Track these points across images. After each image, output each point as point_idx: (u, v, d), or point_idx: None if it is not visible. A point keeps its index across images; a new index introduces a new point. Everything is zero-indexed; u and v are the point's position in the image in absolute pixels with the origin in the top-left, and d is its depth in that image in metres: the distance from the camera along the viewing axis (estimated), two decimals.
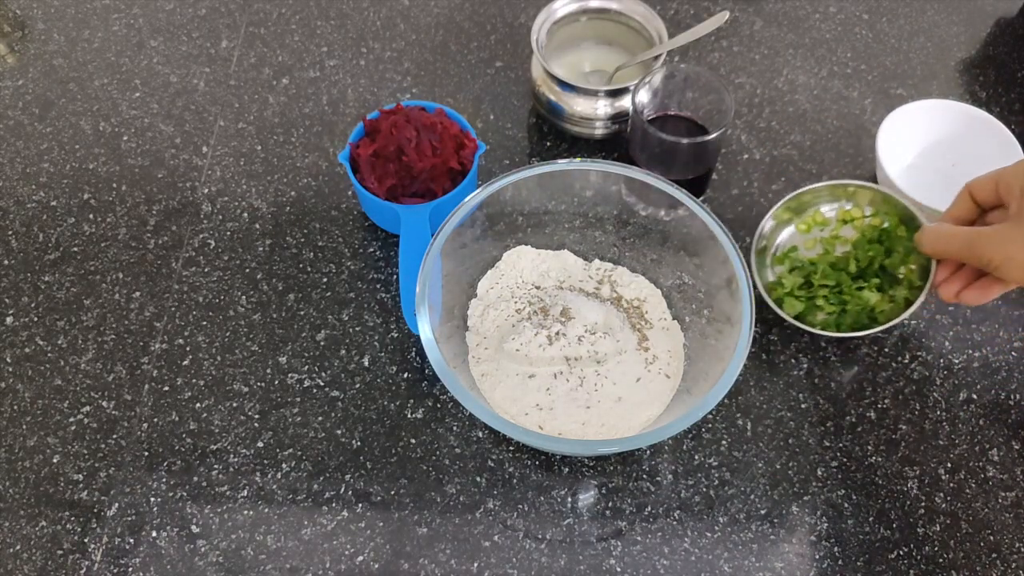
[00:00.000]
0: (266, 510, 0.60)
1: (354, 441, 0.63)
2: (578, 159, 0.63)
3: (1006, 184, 0.56)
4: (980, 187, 0.58)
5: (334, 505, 0.60)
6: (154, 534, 0.59)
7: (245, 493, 0.60)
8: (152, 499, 0.60)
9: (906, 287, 0.64)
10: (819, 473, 0.61)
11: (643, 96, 0.69)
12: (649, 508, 0.60)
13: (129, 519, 0.59)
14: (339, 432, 0.63)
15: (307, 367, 0.66)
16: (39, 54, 0.84)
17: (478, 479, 0.61)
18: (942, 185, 0.73)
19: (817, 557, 0.58)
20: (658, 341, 0.63)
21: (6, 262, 0.71)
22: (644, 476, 0.61)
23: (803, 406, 0.64)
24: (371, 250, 0.71)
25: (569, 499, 0.61)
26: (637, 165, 0.66)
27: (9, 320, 0.68)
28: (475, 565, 0.58)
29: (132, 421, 0.63)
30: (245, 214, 0.73)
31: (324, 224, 0.73)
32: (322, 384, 0.65)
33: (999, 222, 0.56)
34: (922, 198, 0.68)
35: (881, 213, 0.66)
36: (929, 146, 0.74)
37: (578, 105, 0.73)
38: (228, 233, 0.72)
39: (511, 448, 0.62)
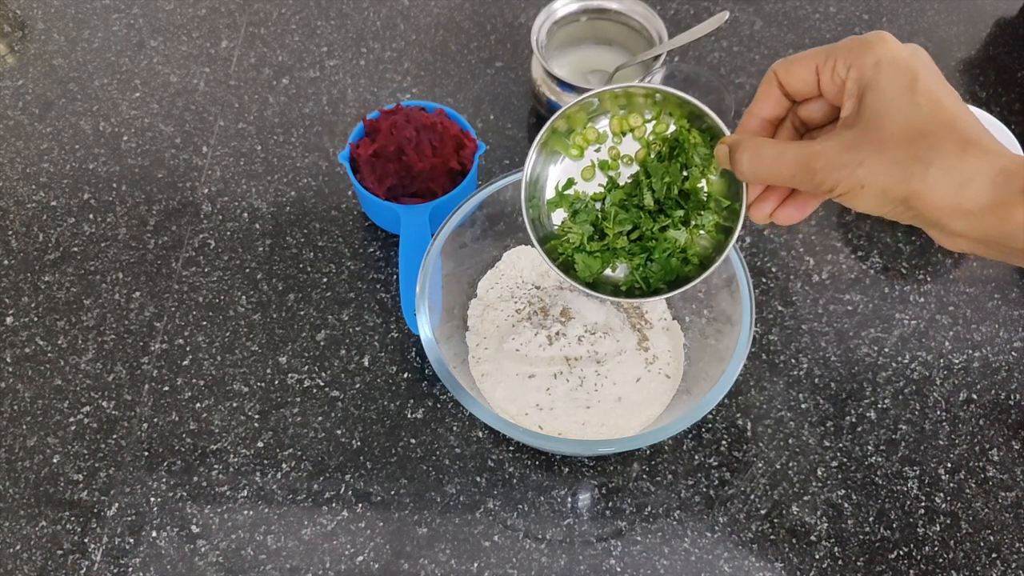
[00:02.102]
0: (266, 510, 0.60)
1: (354, 441, 0.63)
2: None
3: (837, 77, 0.41)
4: (793, 74, 0.43)
5: (334, 505, 0.60)
6: (154, 534, 0.59)
7: (245, 493, 0.60)
8: (152, 499, 0.60)
9: (714, 210, 0.49)
10: (819, 473, 0.61)
11: None
12: (649, 508, 0.60)
13: (129, 519, 0.59)
14: (339, 432, 0.63)
15: (307, 367, 0.66)
16: (39, 54, 0.83)
17: (478, 479, 0.61)
18: None
19: (817, 557, 0.58)
20: (658, 341, 0.63)
21: (6, 262, 0.71)
22: (644, 476, 0.61)
23: (803, 406, 0.64)
24: (371, 250, 0.71)
25: (569, 499, 0.61)
26: None
27: (9, 320, 0.68)
28: (475, 565, 0.58)
29: (132, 421, 0.63)
30: (245, 214, 0.73)
31: (324, 224, 0.73)
32: (322, 384, 0.65)
33: (820, 120, 0.44)
34: None
35: (664, 115, 0.49)
36: None
37: None
38: (228, 233, 0.72)
39: (511, 448, 0.62)
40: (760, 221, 0.46)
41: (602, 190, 0.51)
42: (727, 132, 0.46)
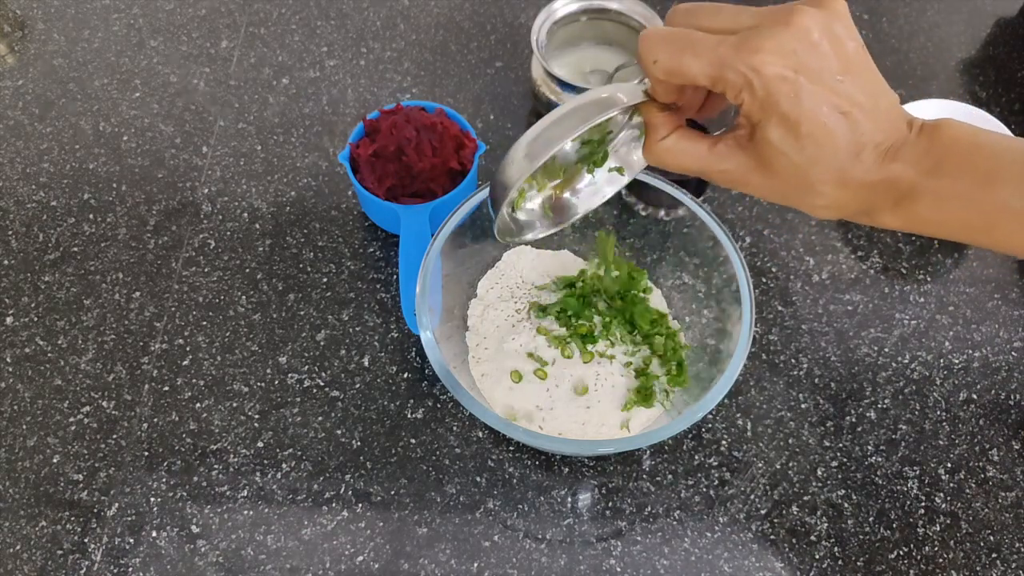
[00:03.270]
0: (266, 510, 0.60)
1: (354, 441, 0.63)
2: None
3: (728, 95, 0.41)
4: (679, 79, 0.42)
5: (334, 505, 0.60)
6: (154, 534, 0.59)
7: (245, 493, 0.60)
8: (152, 499, 0.60)
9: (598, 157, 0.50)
10: (819, 473, 0.61)
11: None
12: (649, 508, 0.60)
13: (129, 519, 0.59)
14: (339, 432, 0.63)
15: (307, 367, 0.66)
16: (39, 54, 0.83)
17: (478, 479, 0.61)
18: None
19: (817, 557, 0.58)
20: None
21: (6, 262, 0.71)
22: (644, 476, 0.61)
23: (803, 406, 0.64)
24: (371, 250, 0.71)
25: (569, 499, 0.61)
26: None
27: (9, 320, 0.68)
28: (475, 565, 0.58)
29: (132, 421, 0.63)
30: (245, 214, 0.73)
31: (324, 224, 0.73)
32: (322, 384, 0.65)
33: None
34: None
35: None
36: None
37: None
38: (228, 233, 0.72)
39: (511, 448, 0.62)
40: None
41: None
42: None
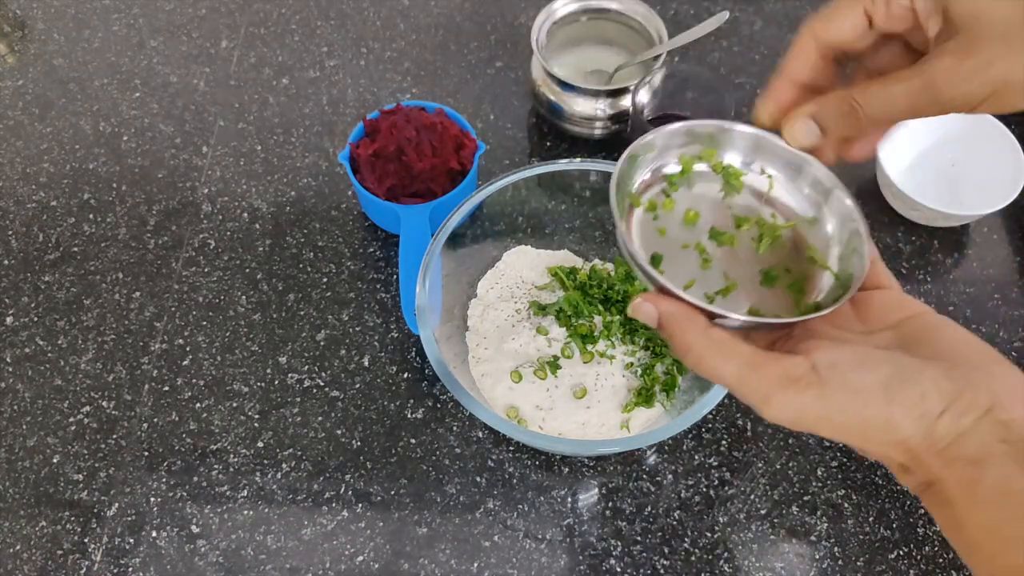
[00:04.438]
0: (266, 510, 0.60)
1: (354, 441, 0.62)
2: (578, 159, 0.63)
3: (897, 6, 0.38)
4: (837, 26, 0.39)
5: (334, 505, 0.60)
6: (154, 534, 0.59)
7: (245, 493, 0.60)
8: (152, 499, 0.60)
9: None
10: (819, 473, 0.61)
11: (643, 96, 0.69)
12: (649, 508, 0.60)
13: (129, 519, 0.59)
14: (339, 432, 0.63)
15: (307, 367, 0.66)
16: (39, 54, 0.83)
17: (478, 479, 0.61)
18: (942, 185, 0.73)
19: (817, 557, 0.58)
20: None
21: (6, 262, 0.71)
22: (644, 476, 0.61)
23: None
24: (371, 250, 0.71)
25: (569, 499, 0.61)
26: None
27: (9, 320, 0.68)
28: (475, 565, 0.58)
29: (132, 421, 0.63)
30: (245, 214, 0.73)
31: (324, 224, 0.73)
32: (322, 384, 0.65)
33: (891, 66, 0.40)
34: (922, 198, 0.68)
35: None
36: (929, 146, 0.74)
37: (578, 105, 0.73)
38: (228, 233, 0.72)
39: (511, 448, 0.62)
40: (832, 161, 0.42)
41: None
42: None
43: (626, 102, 0.73)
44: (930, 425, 0.33)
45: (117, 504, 0.60)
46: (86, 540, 0.59)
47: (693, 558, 0.58)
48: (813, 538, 0.59)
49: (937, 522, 0.35)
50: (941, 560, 0.58)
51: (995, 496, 0.32)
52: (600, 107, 0.73)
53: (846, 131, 0.39)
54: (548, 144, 0.77)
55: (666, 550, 0.59)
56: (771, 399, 0.34)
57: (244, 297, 0.69)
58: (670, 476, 0.61)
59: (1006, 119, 0.76)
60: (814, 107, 0.40)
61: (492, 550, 0.59)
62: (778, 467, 0.62)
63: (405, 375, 0.65)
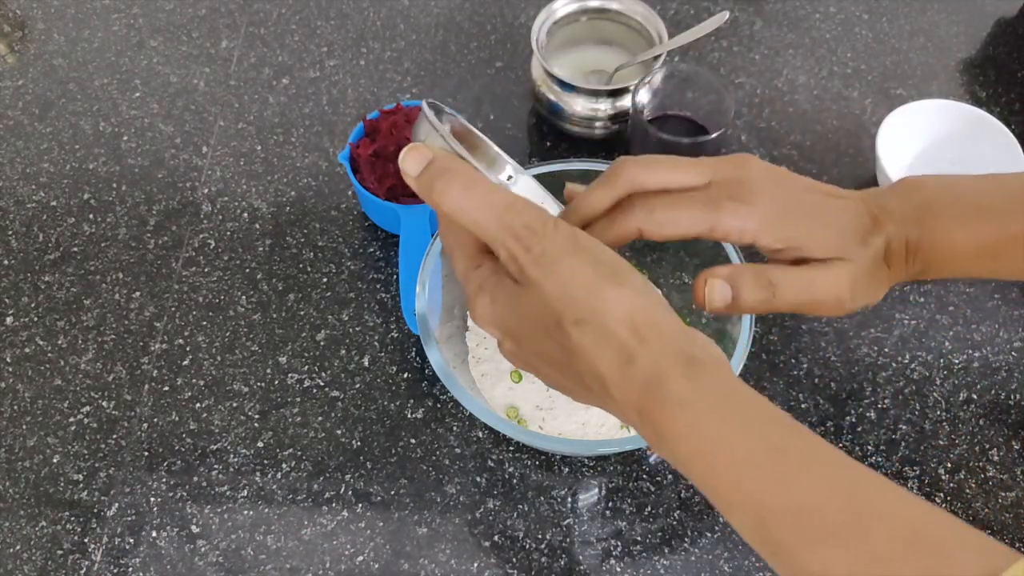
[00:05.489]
0: (266, 510, 0.60)
1: (354, 441, 0.63)
2: (578, 159, 0.63)
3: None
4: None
5: (334, 505, 0.60)
6: (154, 534, 0.59)
7: (245, 493, 0.60)
8: (152, 499, 0.60)
9: None
10: None
11: (643, 96, 0.69)
12: (649, 508, 0.60)
13: (129, 519, 0.59)
14: (339, 432, 0.63)
15: (307, 367, 0.66)
16: (39, 54, 0.83)
17: (478, 479, 0.61)
18: None
19: None
20: None
21: (6, 262, 0.71)
22: (644, 476, 0.61)
23: (803, 406, 0.64)
24: (371, 250, 0.71)
25: (569, 499, 0.61)
26: None
27: (9, 320, 0.68)
28: (475, 565, 0.58)
29: (132, 421, 0.63)
30: (245, 214, 0.73)
31: (324, 224, 0.73)
32: (322, 384, 0.65)
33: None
34: None
35: None
36: (929, 146, 0.74)
37: (578, 105, 0.73)
38: (228, 233, 0.72)
39: (511, 448, 0.62)
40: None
41: None
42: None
43: (626, 102, 0.73)
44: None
45: (117, 504, 0.60)
46: (86, 540, 0.59)
47: (693, 558, 0.58)
48: None
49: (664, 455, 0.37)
50: None
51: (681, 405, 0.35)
52: (600, 107, 0.73)
53: (757, 304, 0.43)
54: (548, 144, 0.77)
55: (666, 550, 0.59)
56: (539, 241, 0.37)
57: (244, 297, 0.69)
58: (670, 476, 0.61)
59: (1006, 119, 0.76)
60: (730, 271, 0.44)
61: (492, 550, 0.59)
62: None
63: (405, 375, 0.65)
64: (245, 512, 0.60)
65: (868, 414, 0.64)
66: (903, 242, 0.45)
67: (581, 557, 0.58)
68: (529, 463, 0.62)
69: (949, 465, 0.62)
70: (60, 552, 0.58)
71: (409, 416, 0.64)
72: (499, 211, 0.37)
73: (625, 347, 0.35)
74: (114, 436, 0.63)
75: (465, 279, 0.41)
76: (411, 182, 0.39)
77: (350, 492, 0.61)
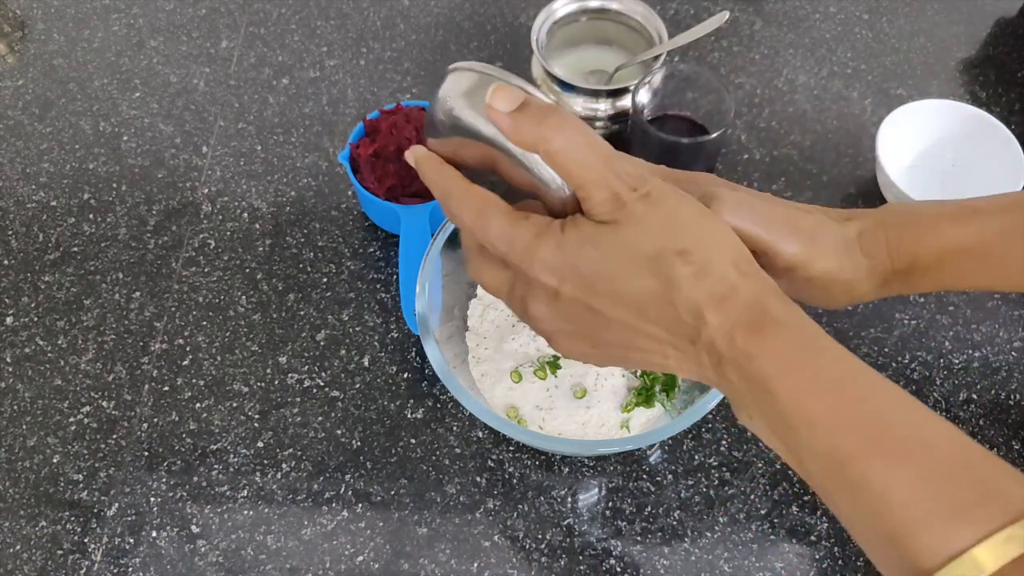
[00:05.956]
0: (266, 510, 0.60)
1: (354, 441, 0.63)
2: None
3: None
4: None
5: (334, 505, 0.60)
6: (154, 534, 0.59)
7: (245, 493, 0.60)
8: (152, 499, 0.60)
9: None
10: None
11: (643, 96, 0.69)
12: (649, 508, 0.60)
13: (129, 519, 0.59)
14: (339, 432, 0.63)
15: (307, 367, 0.66)
16: (39, 54, 0.83)
17: (478, 479, 0.61)
18: (942, 185, 0.73)
19: (817, 557, 0.58)
20: None
21: (6, 262, 0.71)
22: (644, 476, 0.61)
23: None
24: (371, 250, 0.71)
25: (569, 499, 0.61)
26: None
27: (9, 320, 0.68)
28: (475, 565, 0.58)
29: (132, 421, 0.63)
30: (245, 214, 0.73)
31: (324, 224, 0.73)
32: (322, 384, 0.65)
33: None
34: (923, 198, 0.68)
35: None
36: (929, 146, 0.74)
37: (578, 105, 0.73)
38: (228, 233, 0.72)
39: (511, 448, 0.62)
40: None
41: None
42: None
43: (626, 102, 0.73)
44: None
45: (117, 504, 0.60)
46: (86, 540, 0.59)
47: (693, 558, 0.58)
48: (813, 538, 0.59)
49: (739, 407, 0.39)
50: None
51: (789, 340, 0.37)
52: (600, 107, 0.73)
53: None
54: None
55: (666, 550, 0.59)
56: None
57: (244, 297, 0.69)
58: (670, 476, 0.61)
59: (1006, 119, 0.76)
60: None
61: (492, 550, 0.59)
62: (778, 467, 0.62)
63: (405, 375, 0.65)
64: (245, 512, 0.60)
65: None
66: (882, 239, 0.46)
67: (581, 557, 0.58)
68: (529, 463, 0.62)
69: None
70: (60, 552, 0.58)
71: (409, 416, 0.64)
72: (607, 154, 0.38)
73: (727, 278, 0.37)
74: (114, 436, 0.63)
75: (512, 232, 0.39)
76: (500, 117, 0.38)
77: (350, 492, 0.61)
